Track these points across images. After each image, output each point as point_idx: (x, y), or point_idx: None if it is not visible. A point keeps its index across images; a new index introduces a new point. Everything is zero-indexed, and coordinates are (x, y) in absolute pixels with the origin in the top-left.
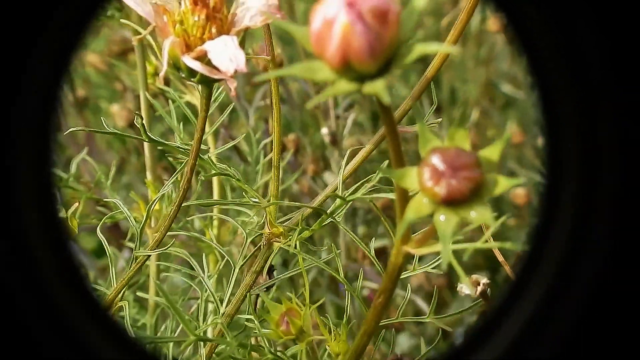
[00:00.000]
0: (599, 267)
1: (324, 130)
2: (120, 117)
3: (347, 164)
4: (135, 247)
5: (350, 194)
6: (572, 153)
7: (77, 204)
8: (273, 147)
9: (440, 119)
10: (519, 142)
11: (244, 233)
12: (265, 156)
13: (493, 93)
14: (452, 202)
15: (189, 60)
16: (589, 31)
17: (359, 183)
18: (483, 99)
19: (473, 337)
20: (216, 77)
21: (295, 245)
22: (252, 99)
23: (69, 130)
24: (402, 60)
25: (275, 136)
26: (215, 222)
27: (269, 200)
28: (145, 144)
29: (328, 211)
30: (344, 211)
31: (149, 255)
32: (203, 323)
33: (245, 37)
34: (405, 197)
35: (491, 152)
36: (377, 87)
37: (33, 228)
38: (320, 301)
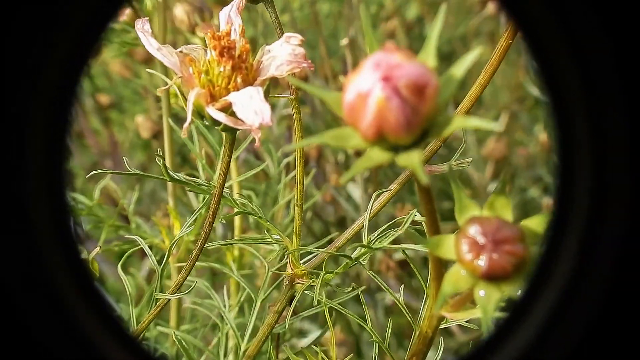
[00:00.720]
0: (612, 268)
1: None
2: (145, 129)
3: (371, 207)
4: (156, 289)
5: (376, 240)
6: (584, 152)
7: (97, 248)
8: (295, 184)
9: (470, 159)
10: (548, 146)
11: (266, 265)
12: (287, 173)
13: (522, 94)
14: (494, 277)
15: (213, 112)
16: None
17: (385, 227)
18: (512, 102)
19: (489, 339)
20: (241, 127)
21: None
22: (274, 104)
23: (90, 174)
24: (439, 132)
25: (298, 174)
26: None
27: (289, 236)
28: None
29: (353, 256)
30: (368, 257)
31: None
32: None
33: (270, 86)
34: (440, 263)
35: (535, 224)
36: (413, 161)
37: (59, 274)
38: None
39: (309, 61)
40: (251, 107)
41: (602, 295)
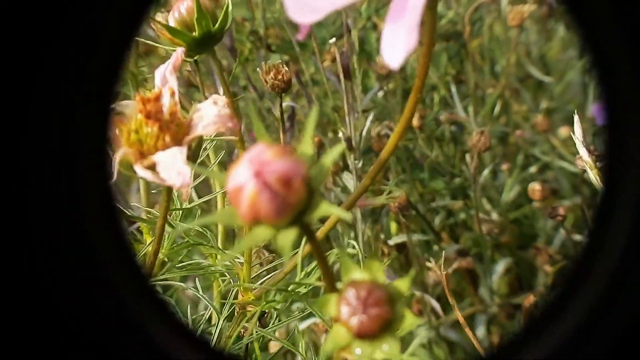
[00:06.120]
0: None
1: (340, 135)
2: None
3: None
4: None
5: (306, 276)
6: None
7: None
8: None
9: (398, 194)
10: (545, 129)
11: (221, 287)
12: None
13: (523, 74)
14: (364, 336)
15: (140, 170)
16: None
17: (311, 267)
18: (512, 80)
19: (521, 336)
20: (167, 185)
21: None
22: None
23: None
24: (311, 214)
25: None
26: None
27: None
28: None
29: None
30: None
31: None
32: None
33: (201, 143)
34: None
35: (402, 285)
36: (286, 241)
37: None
38: None
39: (235, 121)
40: (174, 168)
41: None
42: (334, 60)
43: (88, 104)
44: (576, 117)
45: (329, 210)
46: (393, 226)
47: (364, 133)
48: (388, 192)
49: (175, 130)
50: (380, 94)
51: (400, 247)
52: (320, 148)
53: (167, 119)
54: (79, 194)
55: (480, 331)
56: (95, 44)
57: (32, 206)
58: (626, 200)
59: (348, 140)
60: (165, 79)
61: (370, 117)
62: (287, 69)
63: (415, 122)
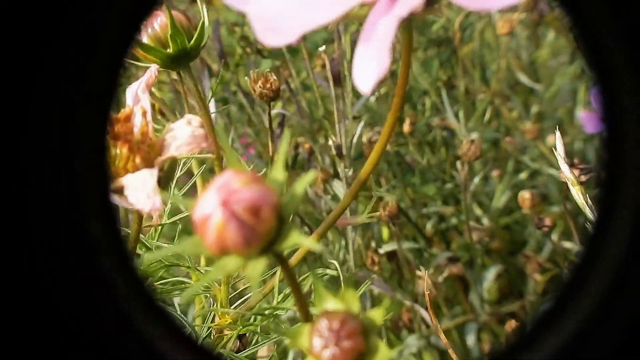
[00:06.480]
0: None
1: (330, 142)
2: None
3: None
4: None
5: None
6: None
7: None
8: None
9: (378, 213)
10: (535, 137)
11: (203, 304)
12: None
13: (513, 80)
14: None
15: None
16: None
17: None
18: (502, 87)
19: (526, 335)
20: (136, 209)
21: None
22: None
23: None
24: (282, 243)
25: None
26: None
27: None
28: None
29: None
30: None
31: None
32: None
33: (175, 164)
34: None
35: (376, 315)
36: (254, 272)
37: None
38: None
39: (210, 141)
40: (143, 191)
41: None
42: (324, 65)
43: (88, 104)
44: (558, 133)
45: (299, 241)
46: (385, 232)
47: (354, 140)
48: (377, 199)
49: (146, 151)
50: (372, 99)
51: (391, 255)
52: (311, 154)
53: (138, 139)
54: (79, 194)
55: (471, 339)
56: (95, 44)
57: (32, 206)
58: (626, 202)
59: (338, 147)
60: (137, 98)
61: (361, 125)
62: (275, 77)
63: (406, 127)
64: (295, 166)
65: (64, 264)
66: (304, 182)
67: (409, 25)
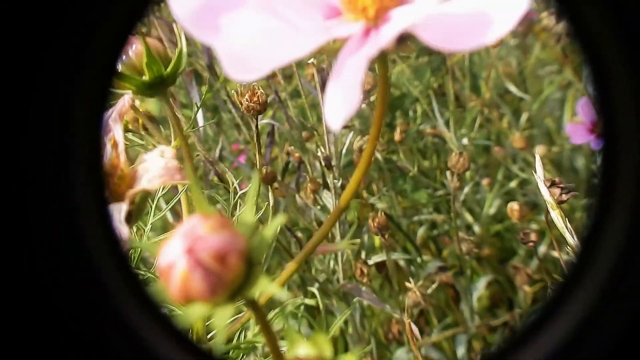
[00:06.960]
0: None
1: (319, 154)
2: None
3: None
4: None
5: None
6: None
7: None
8: None
9: (358, 240)
10: (522, 147)
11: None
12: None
13: (503, 89)
14: None
15: None
16: None
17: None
18: (492, 95)
19: (520, 336)
20: None
21: None
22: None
23: None
24: (250, 289)
25: None
26: None
27: None
28: None
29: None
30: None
31: None
32: None
33: (147, 196)
34: None
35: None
36: (219, 319)
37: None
38: None
39: (183, 173)
40: None
41: None
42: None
43: (88, 104)
44: (537, 157)
45: (267, 288)
46: (377, 240)
47: (344, 150)
48: (369, 206)
49: (116, 184)
50: (363, 106)
51: (380, 266)
52: (301, 163)
53: (108, 171)
54: (78, 194)
55: (461, 350)
56: (95, 44)
57: (32, 206)
58: (622, 202)
59: (327, 159)
60: (108, 128)
61: (350, 135)
62: (262, 90)
63: (397, 136)
64: (285, 175)
65: (63, 264)
66: (273, 226)
67: (384, 60)
